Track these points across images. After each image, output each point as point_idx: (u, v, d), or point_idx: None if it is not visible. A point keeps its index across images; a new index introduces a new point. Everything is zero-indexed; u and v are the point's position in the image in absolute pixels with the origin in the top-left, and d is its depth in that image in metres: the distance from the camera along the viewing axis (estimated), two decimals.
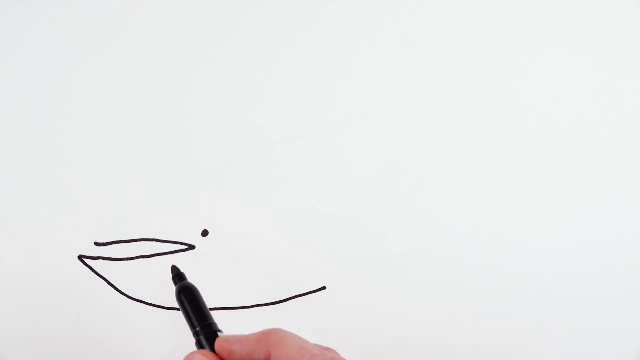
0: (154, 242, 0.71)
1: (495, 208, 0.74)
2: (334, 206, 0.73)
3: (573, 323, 0.73)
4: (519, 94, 0.74)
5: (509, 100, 0.74)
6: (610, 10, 0.75)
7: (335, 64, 0.73)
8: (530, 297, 0.73)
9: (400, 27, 0.74)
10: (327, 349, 0.60)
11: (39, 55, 0.72)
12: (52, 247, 0.70)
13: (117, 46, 0.72)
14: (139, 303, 0.71)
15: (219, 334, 0.60)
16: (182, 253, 0.72)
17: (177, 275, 0.65)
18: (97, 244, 0.71)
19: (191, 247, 0.72)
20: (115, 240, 0.71)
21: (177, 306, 0.71)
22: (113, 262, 0.71)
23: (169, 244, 0.71)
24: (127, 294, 0.71)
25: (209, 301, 0.71)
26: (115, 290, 0.71)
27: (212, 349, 0.60)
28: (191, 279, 0.71)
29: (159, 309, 0.71)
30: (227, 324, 0.71)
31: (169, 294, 0.71)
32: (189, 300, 0.63)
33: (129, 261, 0.71)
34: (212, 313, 0.71)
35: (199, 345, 0.60)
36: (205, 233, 0.72)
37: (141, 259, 0.71)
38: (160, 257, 0.71)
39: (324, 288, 0.72)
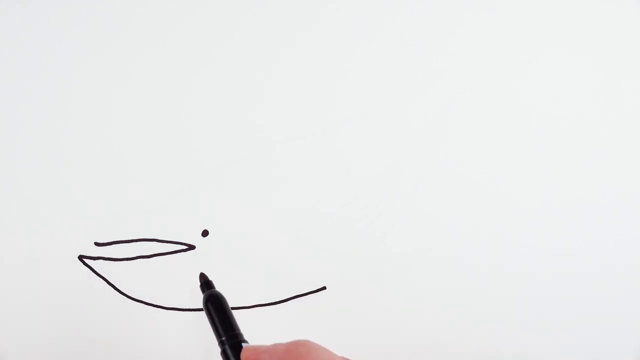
0: (154, 242, 0.71)
1: (495, 208, 0.74)
2: (334, 206, 0.73)
3: (573, 323, 0.73)
4: (519, 94, 0.74)
5: (509, 100, 0.74)
6: (610, 10, 0.75)
7: (335, 64, 0.73)
8: (530, 297, 0.73)
9: (400, 27, 0.74)
10: None
11: (39, 55, 0.72)
12: (52, 247, 0.70)
13: (117, 46, 0.72)
14: (139, 303, 0.71)
15: (243, 344, 0.60)
16: (182, 253, 0.72)
17: (205, 283, 0.65)
18: (97, 244, 0.71)
19: (191, 247, 0.72)
20: (115, 240, 0.71)
21: (177, 306, 0.71)
22: (113, 262, 0.71)
23: (169, 244, 0.71)
24: (127, 294, 0.71)
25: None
26: (115, 290, 0.71)
27: (237, 359, 0.59)
28: (191, 279, 0.71)
29: (159, 309, 0.71)
30: (232, 311, 0.71)
31: (169, 294, 0.71)
32: (216, 309, 0.62)
33: (129, 261, 0.71)
34: None
35: (224, 355, 0.60)
36: (205, 233, 0.72)
37: (141, 259, 0.71)
38: (160, 257, 0.71)
39: (324, 288, 0.72)
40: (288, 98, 0.73)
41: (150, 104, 0.72)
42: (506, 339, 0.73)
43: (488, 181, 0.74)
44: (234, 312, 0.71)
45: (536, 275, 0.74)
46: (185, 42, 0.73)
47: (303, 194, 0.73)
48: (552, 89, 0.75)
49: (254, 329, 0.72)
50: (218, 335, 0.61)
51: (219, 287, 0.71)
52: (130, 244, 0.71)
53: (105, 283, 0.71)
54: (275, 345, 0.58)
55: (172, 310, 0.71)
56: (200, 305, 0.71)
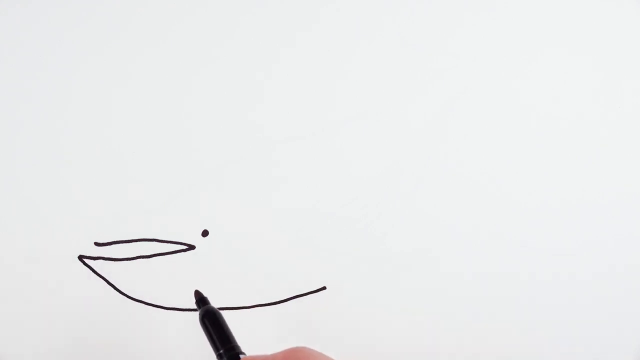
0: (154, 242, 0.71)
1: (495, 208, 0.74)
2: (334, 206, 0.73)
3: (573, 323, 0.74)
4: (519, 94, 0.74)
5: (509, 100, 0.74)
6: (610, 10, 0.75)
7: (335, 64, 0.73)
8: (530, 296, 0.73)
9: (400, 27, 0.74)
10: None
11: (39, 55, 0.72)
12: (52, 247, 0.70)
13: (117, 46, 0.72)
14: (139, 303, 0.71)
15: (241, 356, 0.62)
16: (182, 253, 0.72)
17: (200, 300, 0.66)
18: (97, 244, 0.71)
19: (191, 247, 0.72)
20: (115, 240, 0.71)
21: (177, 306, 0.71)
22: (113, 262, 0.71)
23: (169, 244, 0.71)
24: (127, 294, 0.71)
25: (209, 301, 0.71)
26: (115, 290, 0.71)
27: None
28: (191, 278, 0.71)
29: (159, 309, 0.71)
30: (228, 324, 0.71)
31: (169, 294, 0.71)
32: (212, 324, 0.64)
33: (129, 261, 0.71)
34: None
35: None
36: (205, 233, 0.72)
37: (141, 259, 0.71)
38: (160, 257, 0.71)
39: (324, 288, 0.72)
40: (288, 98, 0.73)
41: (150, 104, 0.72)
42: (506, 338, 0.73)
43: (488, 181, 0.74)
44: (233, 312, 0.72)
45: (536, 275, 0.74)
46: (185, 42, 0.73)
47: (303, 194, 0.73)
48: (552, 89, 0.75)
49: (254, 329, 0.72)
50: (216, 349, 0.63)
51: (219, 287, 0.71)
52: (130, 244, 0.71)
53: (105, 283, 0.71)
54: (273, 355, 0.59)
55: (172, 310, 0.71)
56: None
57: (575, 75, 0.75)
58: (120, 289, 0.71)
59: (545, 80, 0.74)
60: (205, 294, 0.68)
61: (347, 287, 0.73)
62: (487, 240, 0.73)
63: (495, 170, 0.74)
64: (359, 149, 0.73)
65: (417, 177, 0.73)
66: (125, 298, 0.71)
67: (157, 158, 0.72)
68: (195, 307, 0.71)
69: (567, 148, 0.74)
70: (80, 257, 0.71)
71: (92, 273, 0.71)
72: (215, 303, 0.72)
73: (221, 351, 0.62)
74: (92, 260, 0.71)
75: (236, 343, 0.63)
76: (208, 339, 0.64)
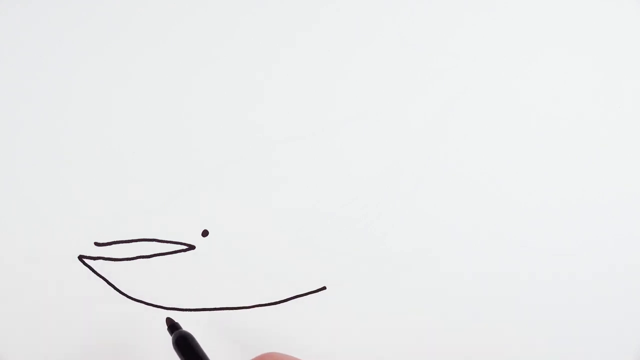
0: (154, 242, 0.71)
1: (495, 208, 0.74)
2: (334, 206, 0.73)
3: (573, 323, 0.74)
4: (519, 94, 0.74)
5: (509, 100, 0.74)
6: (610, 10, 0.75)
7: (335, 64, 0.73)
8: (530, 296, 0.73)
9: (400, 27, 0.74)
10: None
11: (39, 55, 0.72)
12: (52, 247, 0.70)
13: (117, 46, 0.72)
14: (139, 303, 0.71)
15: None
16: (182, 253, 0.72)
17: (172, 326, 0.69)
18: (97, 244, 0.71)
19: (191, 247, 0.72)
20: (115, 240, 0.71)
21: (177, 306, 0.71)
22: (113, 262, 0.71)
23: (169, 244, 0.71)
24: (127, 294, 0.71)
25: (209, 301, 0.71)
26: (115, 290, 0.71)
27: None
28: (191, 278, 0.71)
29: (159, 309, 0.71)
30: (227, 324, 0.71)
31: (169, 294, 0.71)
32: (186, 347, 0.66)
33: (129, 261, 0.71)
34: (213, 313, 0.71)
35: None
36: (205, 233, 0.72)
37: (141, 259, 0.71)
38: (160, 257, 0.71)
39: (324, 288, 0.72)
40: (288, 98, 0.73)
41: (150, 104, 0.72)
42: (506, 338, 0.73)
43: (488, 181, 0.74)
44: (234, 312, 0.72)
45: (536, 275, 0.74)
46: (185, 42, 0.73)
47: (303, 194, 0.73)
48: (552, 89, 0.75)
49: (254, 329, 0.72)
50: None
51: (219, 287, 0.72)
52: (130, 244, 0.71)
53: (105, 283, 0.71)
54: None
55: (172, 310, 0.71)
56: (200, 306, 0.71)
57: (575, 75, 0.75)
58: (120, 289, 0.71)
59: (545, 80, 0.74)
60: (203, 292, 0.69)
61: (347, 287, 0.73)
62: (487, 240, 0.73)
63: (495, 170, 0.74)
64: (359, 149, 0.73)
65: (417, 177, 0.73)
66: (125, 298, 0.71)
67: (157, 158, 0.72)
68: (195, 307, 0.71)
69: (567, 148, 0.74)
70: (80, 257, 0.71)
71: (92, 273, 0.71)
72: (215, 303, 0.72)
73: None
74: (92, 260, 0.71)
75: None
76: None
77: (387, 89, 0.74)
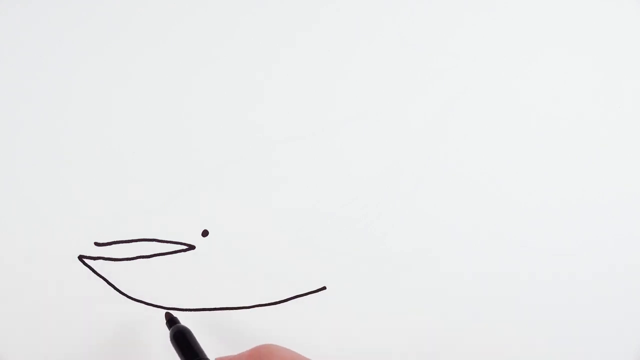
0: (154, 242, 0.71)
1: (495, 208, 0.74)
2: (334, 206, 0.73)
3: (573, 323, 0.74)
4: (519, 94, 0.74)
5: (509, 100, 0.74)
6: (610, 10, 0.75)
7: (335, 64, 0.73)
8: (530, 297, 0.73)
9: (400, 27, 0.74)
10: None
11: (39, 55, 0.72)
12: (52, 247, 0.70)
13: (117, 46, 0.72)
14: (139, 303, 0.71)
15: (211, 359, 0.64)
16: (182, 253, 0.72)
17: (170, 320, 0.69)
18: (97, 244, 0.71)
19: (191, 247, 0.72)
20: (115, 240, 0.71)
21: (177, 306, 0.71)
22: (113, 262, 0.71)
23: (169, 244, 0.71)
24: (127, 294, 0.71)
25: (209, 301, 0.71)
26: (115, 290, 0.71)
27: None
28: (191, 278, 0.71)
29: (159, 309, 0.71)
30: (228, 324, 0.71)
31: (169, 294, 0.71)
32: (183, 341, 0.67)
33: (129, 261, 0.71)
34: (212, 313, 0.71)
35: None
36: (205, 233, 0.72)
37: (141, 259, 0.71)
38: (160, 257, 0.71)
39: (324, 288, 0.72)
40: (288, 98, 0.73)
41: (150, 104, 0.72)
42: (506, 338, 0.73)
43: (488, 181, 0.74)
44: (234, 312, 0.72)
45: (536, 275, 0.74)
46: (185, 42, 0.73)
47: (303, 194, 0.73)
48: (552, 89, 0.75)
49: (254, 329, 0.72)
50: None
51: (219, 287, 0.71)
52: (130, 244, 0.71)
53: (105, 283, 0.71)
54: (239, 354, 0.62)
55: (172, 310, 0.71)
56: (200, 306, 0.71)
57: (575, 75, 0.75)
58: (120, 289, 0.71)
59: (545, 80, 0.74)
60: (203, 292, 0.69)
61: (347, 287, 0.73)
62: (487, 240, 0.73)
63: (495, 170, 0.74)
64: (359, 149, 0.73)
65: (417, 177, 0.73)
66: (125, 298, 0.71)
67: (157, 158, 0.72)
68: (194, 307, 0.71)
69: (567, 148, 0.74)
70: (80, 257, 0.71)
71: (92, 273, 0.71)
72: (215, 303, 0.72)
73: None
74: (92, 260, 0.71)
75: (205, 356, 0.65)
76: (179, 355, 0.66)
77: (387, 89, 0.74)
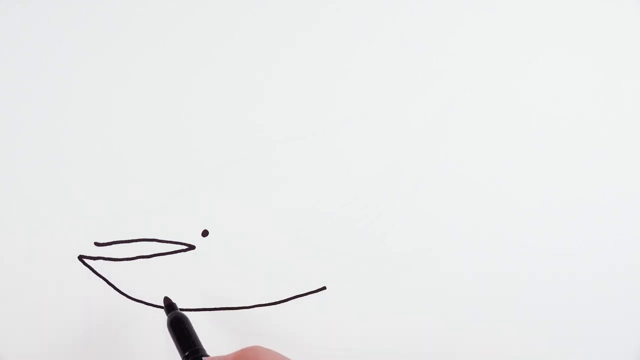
0: (154, 242, 0.71)
1: (495, 208, 0.74)
2: (334, 206, 0.73)
3: (573, 323, 0.73)
4: (519, 94, 0.74)
5: (509, 100, 0.74)
6: (610, 10, 0.75)
7: (335, 64, 0.73)
8: (530, 297, 0.73)
9: (400, 27, 0.74)
10: None
11: (39, 55, 0.72)
12: (52, 247, 0.70)
13: (117, 46, 0.72)
14: (139, 303, 0.71)
15: (204, 359, 0.64)
16: (182, 253, 0.72)
17: (169, 305, 0.69)
18: (97, 244, 0.71)
19: (191, 247, 0.72)
20: (115, 240, 0.71)
21: (177, 306, 0.71)
22: (113, 262, 0.71)
23: (169, 244, 0.71)
24: (127, 294, 0.71)
25: (209, 301, 0.71)
26: (115, 290, 0.71)
27: None
28: (191, 278, 0.71)
29: (159, 309, 0.71)
30: (228, 324, 0.71)
31: (169, 294, 0.71)
32: (179, 329, 0.67)
33: (129, 261, 0.71)
34: (212, 313, 0.71)
35: None
36: (205, 233, 0.72)
37: (141, 259, 0.71)
38: (160, 257, 0.71)
39: (324, 288, 0.72)
40: (288, 98, 0.73)
41: (150, 104, 0.72)
42: (506, 338, 0.73)
43: (488, 181, 0.74)
44: (234, 312, 0.72)
45: (536, 275, 0.74)
46: (185, 42, 0.73)
47: (303, 194, 0.73)
48: (552, 89, 0.75)
49: (254, 329, 0.72)
50: (182, 351, 0.65)
51: (219, 287, 0.71)
52: (130, 244, 0.71)
53: (105, 283, 0.71)
54: (227, 355, 0.62)
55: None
56: (200, 306, 0.71)
57: (575, 75, 0.75)
58: (120, 289, 0.71)
59: (545, 80, 0.74)
60: (203, 292, 0.69)
61: (347, 287, 0.73)
62: (487, 240, 0.73)
63: (495, 170, 0.74)
64: (359, 149, 0.73)
65: (417, 177, 0.73)
66: (125, 298, 0.71)
67: (157, 158, 0.72)
68: (195, 307, 0.71)
69: (567, 148, 0.74)
70: (80, 257, 0.71)
71: (92, 273, 0.71)
72: (215, 303, 0.72)
73: (187, 353, 0.65)
74: (92, 260, 0.71)
75: (201, 346, 0.65)
76: (175, 342, 0.66)
77: (387, 89, 0.74)
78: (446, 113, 0.74)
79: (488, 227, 0.73)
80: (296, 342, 0.72)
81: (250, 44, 0.73)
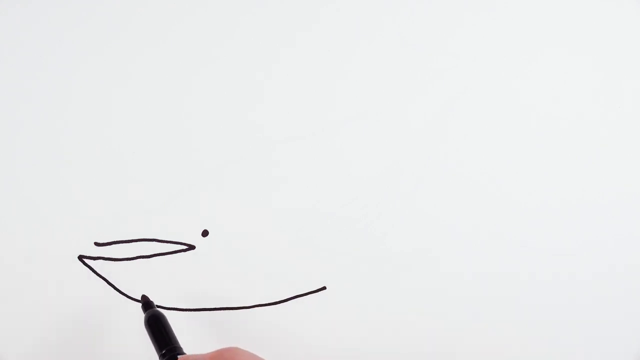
0: (154, 242, 0.71)
1: (495, 208, 0.74)
2: (334, 206, 0.73)
3: (573, 323, 0.74)
4: (519, 94, 0.74)
5: (509, 100, 0.74)
6: (610, 10, 0.75)
7: (335, 64, 0.73)
8: (530, 296, 0.73)
9: (400, 27, 0.74)
10: None
11: (39, 55, 0.72)
12: (52, 247, 0.70)
13: (117, 46, 0.72)
14: (138, 303, 0.71)
15: (179, 357, 0.64)
16: (182, 253, 0.72)
17: (146, 304, 0.69)
18: (97, 244, 0.71)
19: (191, 247, 0.72)
20: (115, 240, 0.71)
21: (177, 306, 0.71)
22: (113, 262, 0.71)
23: (169, 244, 0.71)
24: (127, 294, 0.71)
25: (209, 301, 0.71)
26: (115, 290, 0.71)
27: None
28: (191, 278, 0.71)
29: (159, 308, 0.71)
30: (228, 324, 0.71)
31: (169, 294, 0.71)
32: (156, 327, 0.67)
33: (129, 261, 0.71)
34: (212, 313, 0.71)
35: None
36: (205, 233, 0.72)
37: (141, 259, 0.71)
38: (160, 257, 0.71)
39: (324, 288, 0.72)
40: (288, 98, 0.73)
41: (150, 104, 0.72)
42: (506, 338, 0.73)
43: (488, 181, 0.74)
44: (234, 312, 0.72)
45: (536, 275, 0.74)
46: (185, 42, 0.73)
47: (303, 194, 0.73)
48: (552, 89, 0.75)
49: (254, 329, 0.72)
50: (159, 349, 0.66)
51: (219, 287, 0.71)
52: (130, 244, 0.71)
53: (105, 283, 0.71)
54: (204, 354, 0.62)
55: (172, 310, 0.71)
56: (200, 306, 0.71)
57: (575, 75, 0.75)
58: (120, 289, 0.71)
59: (545, 80, 0.74)
60: (203, 292, 0.69)
61: (347, 287, 0.73)
62: (487, 240, 0.73)
63: (495, 170, 0.74)
64: (359, 149, 0.73)
65: (417, 177, 0.73)
66: (125, 298, 0.71)
67: (157, 158, 0.72)
68: (195, 307, 0.71)
69: (567, 148, 0.74)
70: (80, 257, 0.71)
71: (92, 273, 0.71)
72: (215, 303, 0.72)
73: (163, 352, 0.65)
74: (92, 260, 0.71)
75: (178, 344, 0.66)
76: (152, 340, 0.66)
77: (387, 89, 0.74)
78: (446, 113, 0.74)
79: (488, 227, 0.73)
80: (296, 342, 0.72)
81: (250, 44, 0.73)
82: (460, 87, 0.74)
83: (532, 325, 0.73)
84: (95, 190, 0.71)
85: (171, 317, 0.71)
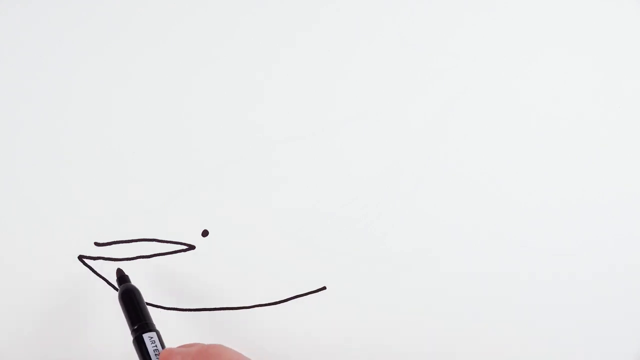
0: (154, 242, 0.71)
1: (495, 208, 0.74)
2: (334, 206, 0.73)
3: (573, 323, 0.73)
4: (519, 94, 0.74)
5: (509, 100, 0.74)
6: (610, 10, 0.75)
7: (335, 64, 0.73)
8: (530, 297, 0.73)
9: (400, 27, 0.74)
10: None
11: (39, 55, 0.72)
12: (52, 247, 0.70)
13: (117, 46, 0.72)
14: None
15: (161, 350, 0.64)
16: (182, 253, 0.72)
17: (121, 277, 0.69)
18: (97, 244, 0.71)
19: (191, 247, 0.72)
20: (115, 240, 0.71)
21: (177, 306, 0.71)
22: (113, 262, 0.71)
23: (169, 244, 0.71)
24: None
25: (209, 301, 0.71)
26: (115, 290, 0.71)
27: (145, 348, 0.64)
28: (191, 278, 0.71)
29: (159, 309, 0.71)
30: (227, 324, 0.71)
31: (169, 294, 0.71)
32: (130, 302, 0.66)
33: (129, 261, 0.71)
34: (212, 313, 0.71)
35: (136, 342, 0.64)
36: (205, 233, 0.72)
37: (141, 259, 0.71)
38: (160, 257, 0.71)
39: (324, 288, 0.72)
40: (288, 98, 0.73)
41: (150, 104, 0.72)
42: (506, 338, 0.73)
43: (488, 181, 0.74)
44: (234, 312, 0.72)
45: (536, 275, 0.74)
46: (185, 42, 0.73)
47: (303, 194, 0.73)
48: (552, 89, 0.75)
49: (254, 329, 0.72)
50: (131, 324, 0.65)
51: (219, 287, 0.71)
52: (130, 244, 0.71)
53: (105, 283, 0.71)
54: (189, 349, 0.62)
55: (172, 310, 0.71)
56: (200, 306, 0.71)
57: (575, 75, 0.75)
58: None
59: (545, 80, 0.74)
60: (203, 292, 0.69)
61: (347, 287, 0.73)
62: (487, 240, 0.73)
63: (495, 170, 0.74)
64: (359, 149, 0.73)
65: (417, 177, 0.73)
66: None
67: (157, 158, 0.72)
68: (195, 307, 0.71)
69: (567, 148, 0.74)
70: (80, 257, 0.71)
71: (92, 273, 0.71)
72: (215, 303, 0.72)
73: (135, 327, 0.65)
74: (92, 260, 0.71)
75: (151, 321, 0.65)
76: (125, 315, 0.66)
77: (387, 89, 0.74)
78: (446, 113, 0.74)
79: (488, 227, 0.73)
80: (296, 342, 0.72)
81: (250, 44, 0.73)
82: (460, 87, 0.74)
83: (532, 325, 0.73)
84: (95, 190, 0.71)
85: (171, 317, 0.71)
